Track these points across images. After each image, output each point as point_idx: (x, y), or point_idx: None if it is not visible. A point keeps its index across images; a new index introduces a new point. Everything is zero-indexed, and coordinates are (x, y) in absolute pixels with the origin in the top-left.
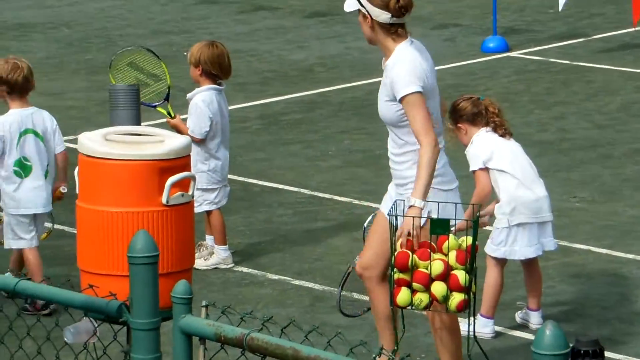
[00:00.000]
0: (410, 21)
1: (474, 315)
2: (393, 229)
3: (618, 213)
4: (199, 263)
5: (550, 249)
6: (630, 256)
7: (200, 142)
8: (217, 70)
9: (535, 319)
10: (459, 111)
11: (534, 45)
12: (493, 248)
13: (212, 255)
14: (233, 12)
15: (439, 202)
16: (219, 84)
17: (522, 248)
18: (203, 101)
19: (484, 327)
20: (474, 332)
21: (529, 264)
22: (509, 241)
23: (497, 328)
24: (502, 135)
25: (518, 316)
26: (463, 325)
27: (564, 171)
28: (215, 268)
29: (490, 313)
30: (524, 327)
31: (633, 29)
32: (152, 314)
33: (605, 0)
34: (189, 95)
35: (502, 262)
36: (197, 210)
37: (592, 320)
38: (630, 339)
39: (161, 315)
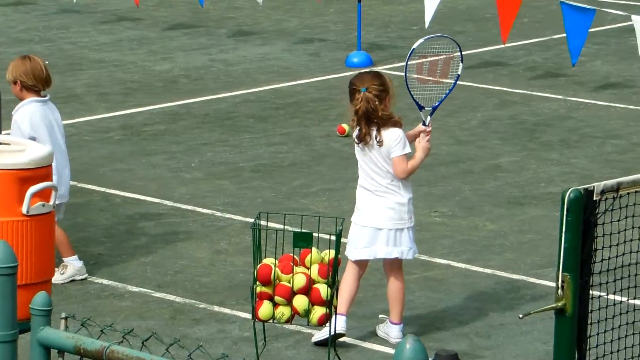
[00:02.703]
0: (275, 35)
1: (335, 330)
2: (256, 242)
3: (478, 228)
4: (56, 278)
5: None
6: (489, 271)
7: None
8: (34, 81)
9: (395, 333)
10: (387, 86)
11: (398, 61)
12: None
13: (66, 268)
14: (95, 22)
15: (302, 215)
16: (43, 96)
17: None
18: (22, 115)
19: (337, 322)
20: (335, 346)
21: (391, 272)
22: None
23: (356, 341)
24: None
25: (379, 329)
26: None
27: (425, 186)
28: (72, 280)
29: (342, 310)
30: (384, 340)
31: (493, 47)
32: (10, 326)
33: (466, 19)
34: (13, 111)
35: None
36: None
37: (450, 334)
38: (487, 353)
39: (19, 327)
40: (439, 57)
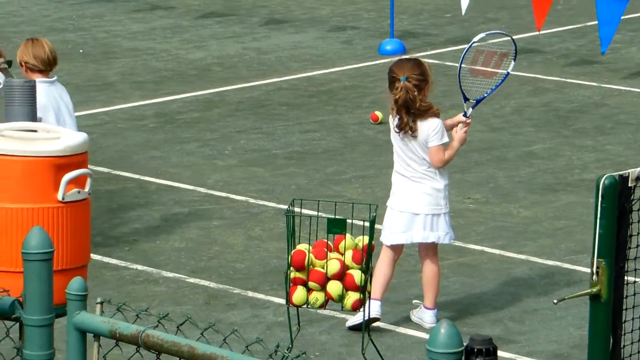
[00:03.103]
0: (308, 23)
1: (369, 315)
2: (290, 229)
3: (511, 214)
4: None
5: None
6: (523, 257)
7: None
8: (35, 62)
9: (429, 318)
10: (427, 75)
11: (431, 49)
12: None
13: None
14: (129, 10)
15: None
16: (50, 77)
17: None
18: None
19: (370, 307)
20: (369, 331)
21: (427, 257)
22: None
23: (390, 326)
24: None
25: (413, 314)
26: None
27: (458, 173)
28: (108, 265)
29: (376, 295)
30: (418, 325)
31: (527, 35)
32: (46, 310)
33: (500, 6)
34: None
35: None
36: None
37: (484, 320)
38: (521, 338)
39: (55, 312)
40: (495, 53)
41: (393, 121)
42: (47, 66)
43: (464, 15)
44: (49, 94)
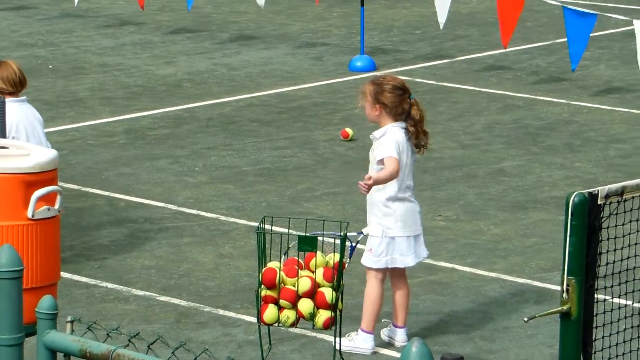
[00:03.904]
0: (278, 39)
1: (340, 333)
2: (261, 246)
3: (482, 232)
4: None
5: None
6: (493, 274)
7: None
8: (4, 85)
9: (400, 337)
10: (384, 97)
11: (401, 65)
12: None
13: None
14: (99, 26)
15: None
16: (20, 97)
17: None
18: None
19: (364, 342)
20: (340, 349)
21: (399, 278)
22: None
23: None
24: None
25: (383, 333)
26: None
27: (429, 190)
28: (78, 283)
29: (370, 327)
30: (388, 344)
31: (497, 52)
32: (16, 330)
33: (470, 23)
34: None
35: (383, 274)
36: None
37: (455, 338)
38: (492, 357)
39: (25, 331)
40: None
41: (409, 140)
42: (16, 87)
43: (431, 32)
44: (20, 112)
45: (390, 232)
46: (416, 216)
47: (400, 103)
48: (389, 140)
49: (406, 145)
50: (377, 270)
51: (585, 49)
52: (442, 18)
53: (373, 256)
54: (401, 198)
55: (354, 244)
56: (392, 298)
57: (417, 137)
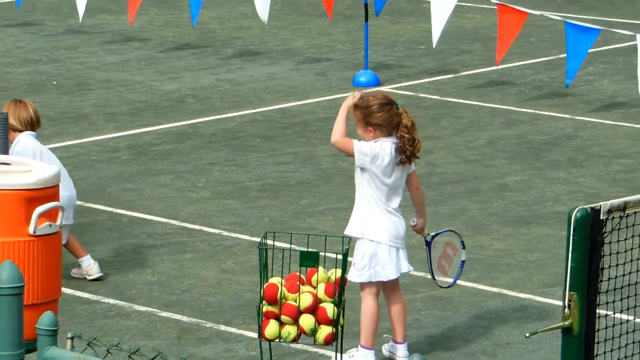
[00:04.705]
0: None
1: (342, 348)
2: (263, 262)
3: (484, 247)
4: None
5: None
6: (495, 290)
7: None
8: (19, 124)
9: (401, 352)
10: (374, 118)
11: (405, 81)
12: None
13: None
14: (103, 42)
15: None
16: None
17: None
18: (25, 147)
19: (364, 358)
20: None
21: (392, 293)
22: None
23: None
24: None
25: (385, 349)
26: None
27: (432, 205)
28: (80, 299)
29: (369, 343)
30: (390, 359)
31: (500, 67)
32: (16, 346)
33: (473, 38)
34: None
35: (376, 288)
36: None
37: (457, 353)
38: None
39: (25, 347)
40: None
41: (396, 149)
42: (31, 127)
43: (435, 47)
44: (34, 142)
45: (368, 234)
46: (399, 230)
47: (391, 118)
48: (370, 142)
49: (389, 159)
50: (370, 285)
51: (580, 64)
52: (436, 35)
53: (356, 270)
54: (387, 210)
55: (429, 240)
56: (388, 314)
57: (412, 144)
